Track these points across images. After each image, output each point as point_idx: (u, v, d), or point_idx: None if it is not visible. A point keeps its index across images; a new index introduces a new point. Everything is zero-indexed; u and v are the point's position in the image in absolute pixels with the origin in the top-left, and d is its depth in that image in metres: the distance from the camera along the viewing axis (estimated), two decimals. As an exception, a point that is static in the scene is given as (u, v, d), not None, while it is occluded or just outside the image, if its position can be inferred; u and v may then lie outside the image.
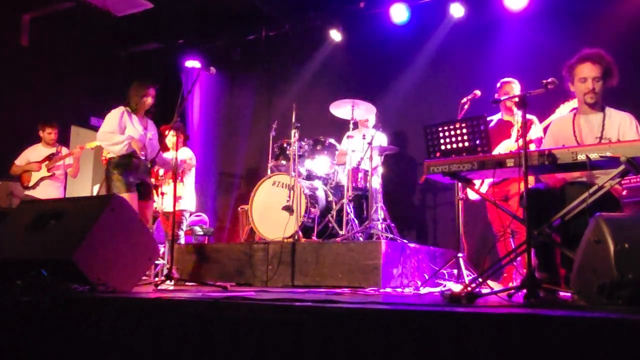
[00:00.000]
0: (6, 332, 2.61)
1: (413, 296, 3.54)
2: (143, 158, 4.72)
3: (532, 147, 4.24)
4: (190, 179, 6.24)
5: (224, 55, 7.96)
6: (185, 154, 6.05)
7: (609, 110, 3.26)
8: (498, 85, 4.84)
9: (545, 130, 4.25)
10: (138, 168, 4.67)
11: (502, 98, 4.42)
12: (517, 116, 4.62)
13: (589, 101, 3.24)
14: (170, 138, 5.59)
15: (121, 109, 4.72)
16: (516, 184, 4.53)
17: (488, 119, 4.83)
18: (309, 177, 5.70)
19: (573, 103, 3.85)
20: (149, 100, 4.79)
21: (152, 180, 6.08)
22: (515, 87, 4.72)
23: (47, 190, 6.17)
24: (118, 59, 8.45)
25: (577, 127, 3.28)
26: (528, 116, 4.59)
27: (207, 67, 4.60)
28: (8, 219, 3.65)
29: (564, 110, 3.95)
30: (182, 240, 6.07)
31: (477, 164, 3.07)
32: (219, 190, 8.28)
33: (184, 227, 6.22)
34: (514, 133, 4.55)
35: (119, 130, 4.63)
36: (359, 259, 4.34)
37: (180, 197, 5.79)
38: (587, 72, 3.20)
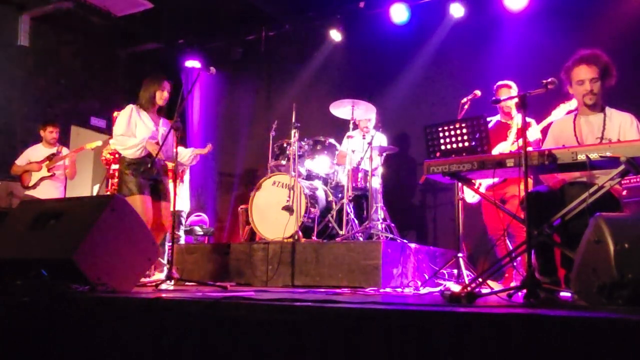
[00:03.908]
0: (6, 332, 2.61)
1: (413, 296, 3.54)
2: (156, 158, 4.47)
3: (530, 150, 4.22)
4: (186, 178, 6.25)
5: (224, 55, 7.97)
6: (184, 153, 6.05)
7: (609, 111, 3.25)
8: (494, 87, 4.84)
9: (543, 131, 4.25)
10: (152, 167, 4.45)
11: (502, 98, 4.41)
12: (517, 118, 4.61)
13: (588, 102, 3.24)
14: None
15: (130, 107, 4.54)
16: (513, 187, 4.53)
17: (488, 119, 4.86)
18: (309, 177, 5.70)
19: (570, 105, 3.85)
20: (165, 95, 4.58)
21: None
22: (510, 92, 4.70)
23: (48, 190, 6.17)
24: (118, 59, 8.45)
25: (578, 128, 3.28)
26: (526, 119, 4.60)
27: (207, 67, 4.58)
28: (8, 219, 3.65)
29: (561, 111, 3.94)
30: (182, 241, 6.07)
31: (477, 164, 3.07)
32: (219, 190, 8.28)
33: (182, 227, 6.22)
34: (511, 136, 4.55)
35: (129, 130, 4.45)
36: (359, 259, 4.34)
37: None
38: (583, 74, 3.20)
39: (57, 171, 6.28)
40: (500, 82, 4.82)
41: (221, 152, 8.29)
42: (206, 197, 8.19)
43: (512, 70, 5.05)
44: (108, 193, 6.13)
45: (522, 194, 2.72)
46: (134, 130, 4.47)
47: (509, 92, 4.70)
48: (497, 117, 4.90)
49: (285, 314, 1.97)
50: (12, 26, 7.29)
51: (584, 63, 3.19)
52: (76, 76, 7.86)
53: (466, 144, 3.14)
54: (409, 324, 1.72)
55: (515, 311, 1.78)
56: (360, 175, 5.40)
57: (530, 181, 3.59)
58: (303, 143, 5.51)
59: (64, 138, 7.13)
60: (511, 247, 4.37)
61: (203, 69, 4.63)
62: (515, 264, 4.02)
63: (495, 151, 4.50)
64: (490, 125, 4.78)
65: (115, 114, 6.73)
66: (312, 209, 5.24)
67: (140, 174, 4.40)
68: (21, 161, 6.27)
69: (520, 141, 4.18)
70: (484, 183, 4.52)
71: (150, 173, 4.43)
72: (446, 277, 4.54)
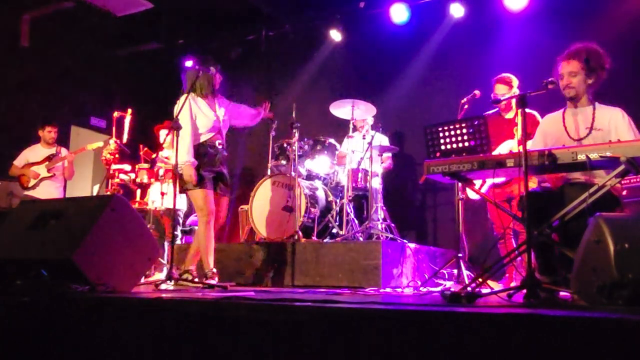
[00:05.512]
0: (6, 332, 2.61)
1: (413, 296, 3.54)
2: (220, 147, 4.37)
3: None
4: None
5: (224, 55, 7.96)
6: None
7: (598, 105, 3.27)
8: (492, 82, 4.84)
9: None
10: (214, 160, 4.31)
11: (502, 98, 4.41)
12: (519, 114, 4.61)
13: (567, 95, 3.28)
14: (166, 137, 5.55)
15: (186, 98, 4.30)
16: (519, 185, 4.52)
17: (486, 113, 4.86)
18: (309, 177, 5.70)
19: None
20: (218, 76, 4.47)
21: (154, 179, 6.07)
22: (505, 87, 4.69)
23: (47, 190, 6.17)
24: (118, 59, 8.44)
25: (568, 121, 3.29)
26: (528, 111, 4.60)
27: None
28: (8, 219, 3.65)
29: None
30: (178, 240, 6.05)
31: (477, 164, 3.07)
32: (218, 191, 8.27)
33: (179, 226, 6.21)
34: (517, 133, 4.53)
35: (191, 120, 4.24)
36: (359, 259, 4.34)
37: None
38: (562, 69, 3.27)
39: (56, 172, 6.27)
40: (496, 77, 4.80)
41: (221, 152, 8.28)
42: (206, 197, 8.18)
43: (512, 70, 5.03)
44: (108, 193, 6.12)
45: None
46: (194, 121, 4.29)
47: (504, 87, 4.69)
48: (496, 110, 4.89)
49: (285, 314, 1.97)
50: (12, 26, 7.29)
51: (564, 60, 3.27)
52: (76, 76, 7.85)
53: (466, 144, 3.14)
54: (409, 324, 1.72)
55: (515, 311, 1.78)
56: (360, 175, 5.39)
57: (535, 179, 3.60)
58: (303, 143, 5.52)
59: (64, 138, 7.12)
60: (515, 246, 4.37)
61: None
62: (515, 264, 4.02)
63: (503, 147, 4.50)
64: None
65: (115, 114, 6.74)
66: (312, 209, 5.24)
67: (202, 166, 4.23)
68: (19, 162, 6.26)
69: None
70: (488, 181, 4.51)
71: (213, 165, 4.31)
72: (446, 277, 4.54)
